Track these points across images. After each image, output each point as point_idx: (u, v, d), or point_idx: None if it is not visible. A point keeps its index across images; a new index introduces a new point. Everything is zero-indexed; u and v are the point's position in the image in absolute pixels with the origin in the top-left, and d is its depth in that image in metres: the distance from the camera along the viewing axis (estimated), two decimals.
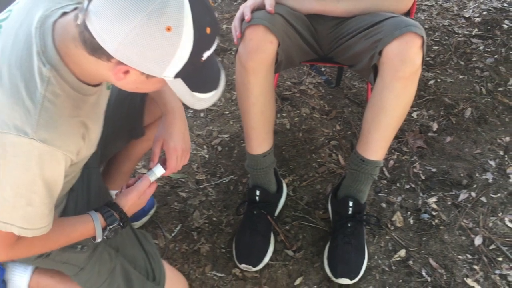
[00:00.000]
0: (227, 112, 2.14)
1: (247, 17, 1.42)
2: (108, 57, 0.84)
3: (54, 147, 0.89)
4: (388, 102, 1.44)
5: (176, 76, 0.87)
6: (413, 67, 1.37)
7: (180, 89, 0.90)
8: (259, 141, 1.60)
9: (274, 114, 1.60)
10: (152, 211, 1.78)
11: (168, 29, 0.79)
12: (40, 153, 0.88)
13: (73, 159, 0.95)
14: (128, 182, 1.21)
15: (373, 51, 1.44)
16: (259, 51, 1.41)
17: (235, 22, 1.47)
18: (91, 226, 1.10)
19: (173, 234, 1.72)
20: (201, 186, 1.86)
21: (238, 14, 1.47)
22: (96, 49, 0.84)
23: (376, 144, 1.52)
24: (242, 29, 1.43)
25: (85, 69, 0.91)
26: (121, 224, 1.14)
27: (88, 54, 0.86)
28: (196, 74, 0.89)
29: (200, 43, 0.84)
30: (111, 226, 1.12)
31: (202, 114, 2.13)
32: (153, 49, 0.81)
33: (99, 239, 1.12)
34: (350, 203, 1.59)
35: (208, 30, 0.84)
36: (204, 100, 0.94)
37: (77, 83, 0.93)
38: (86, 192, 1.30)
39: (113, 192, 1.58)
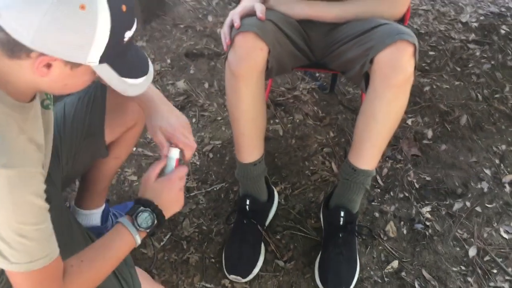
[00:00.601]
0: (219, 118, 2.11)
1: (237, 23, 1.39)
2: (27, 52, 0.80)
3: (18, 168, 0.84)
4: (379, 111, 1.41)
5: (101, 61, 0.85)
6: (405, 75, 1.34)
7: (108, 75, 0.88)
8: (250, 149, 1.57)
9: (265, 121, 1.57)
10: None
11: (82, 7, 0.77)
12: (7, 180, 0.83)
13: (43, 173, 0.92)
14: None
15: (365, 58, 1.41)
16: (249, 58, 1.38)
17: (225, 29, 1.44)
18: (127, 233, 1.05)
19: (162, 243, 1.68)
20: (192, 194, 1.83)
21: (227, 21, 1.44)
22: (13, 48, 0.80)
23: (367, 153, 1.49)
24: (232, 36, 1.40)
25: (12, 83, 0.87)
26: (155, 222, 1.08)
27: (9, 59, 0.82)
28: (121, 58, 0.88)
29: (118, 22, 0.82)
30: (147, 230, 1.07)
31: (194, 120, 2.10)
32: (71, 32, 0.78)
33: (138, 241, 1.07)
34: (342, 213, 1.56)
35: (124, 8, 0.83)
36: (135, 85, 0.92)
37: (12, 102, 0.89)
38: None
39: (93, 211, 1.56)
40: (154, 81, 2.31)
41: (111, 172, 1.50)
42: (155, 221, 1.08)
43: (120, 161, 1.50)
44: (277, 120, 2.08)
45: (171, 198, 1.13)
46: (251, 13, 1.44)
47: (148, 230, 1.08)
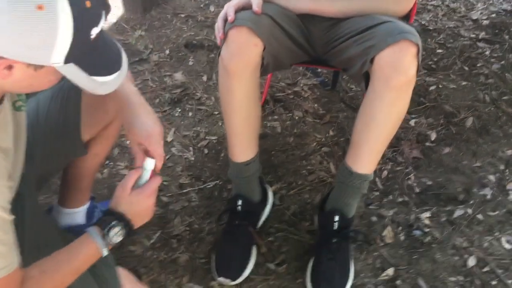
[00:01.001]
0: (216, 113, 2.05)
1: (231, 17, 1.32)
2: None
3: None
4: (378, 113, 1.34)
5: (67, 60, 0.80)
6: (407, 77, 1.27)
7: (76, 75, 0.83)
8: (242, 148, 1.51)
9: (259, 119, 1.50)
10: None
11: (40, 7, 0.72)
12: None
13: (8, 184, 0.87)
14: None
15: (365, 57, 1.34)
16: (242, 54, 1.31)
17: (218, 22, 1.37)
18: (94, 247, 1.01)
19: (151, 241, 1.63)
20: (184, 191, 1.78)
21: (221, 14, 1.37)
22: None
23: (365, 157, 1.43)
24: (225, 30, 1.33)
25: None
26: (126, 234, 1.04)
27: None
28: (90, 56, 0.82)
29: (82, 20, 0.77)
30: (116, 241, 1.03)
31: (190, 114, 2.04)
32: (30, 34, 0.74)
33: (105, 254, 1.03)
34: (336, 218, 1.50)
35: (87, 3, 0.78)
36: (107, 83, 0.87)
37: None
38: (20, 222, 1.18)
39: (76, 210, 1.51)
40: (152, 71, 2.25)
41: (92, 169, 1.45)
42: (125, 235, 1.04)
43: (101, 158, 1.44)
44: (275, 117, 2.02)
45: (142, 212, 1.09)
46: (247, 6, 1.37)
47: (116, 244, 1.04)
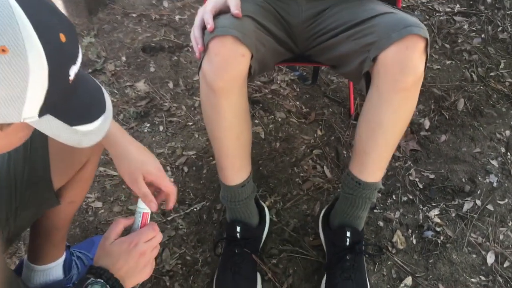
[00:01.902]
0: (190, 123, 1.84)
1: (210, 25, 1.12)
2: None
3: None
4: (386, 118, 1.19)
5: (42, 112, 0.62)
6: (416, 76, 1.12)
7: (54, 128, 0.66)
8: (235, 170, 1.33)
9: (250, 136, 1.32)
10: None
11: (3, 50, 0.55)
12: None
13: None
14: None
15: (364, 55, 1.18)
16: (229, 68, 1.11)
17: (195, 32, 1.16)
18: None
19: (139, 283, 1.44)
20: (169, 218, 1.58)
21: (197, 22, 1.16)
22: None
23: (373, 165, 1.28)
24: (206, 41, 1.13)
25: None
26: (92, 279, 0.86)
27: None
28: (69, 102, 0.66)
29: (57, 58, 0.61)
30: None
31: (161, 128, 1.83)
32: None
33: None
34: (348, 233, 1.35)
35: (62, 37, 0.61)
36: (92, 132, 0.70)
37: None
38: None
39: (51, 265, 1.28)
40: (110, 83, 2.00)
41: (67, 219, 1.23)
42: None
43: (77, 205, 1.23)
44: (256, 121, 1.84)
45: (131, 266, 0.90)
46: (224, 10, 1.17)
47: None
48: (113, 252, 0.89)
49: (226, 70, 1.12)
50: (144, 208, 0.98)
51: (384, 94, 1.16)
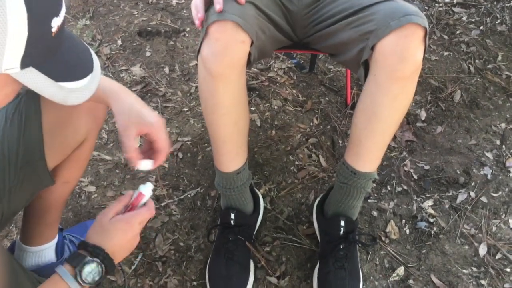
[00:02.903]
0: (185, 109, 1.83)
1: (220, 5, 1.09)
2: None
3: None
4: (383, 107, 1.18)
5: (24, 64, 0.62)
6: (414, 65, 1.11)
7: (38, 82, 0.65)
8: (231, 157, 1.32)
9: (248, 122, 1.32)
10: None
11: None
12: None
13: None
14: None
15: (363, 44, 1.17)
16: (228, 54, 1.10)
17: (197, 1, 1.14)
18: (59, 281, 0.84)
19: (133, 267, 1.44)
20: (162, 204, 1.57)
21: None
22: None
23: (369, 154, 1.28)
24: (207, 23, 1.11)
25: None
26: (103, 274, 0.86)
27: None
28: (52, 57, 0.65)
29: (37, 8, 0.60)
30: (92, 281, 0.85)
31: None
32: None
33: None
34: (342, 223, 1.36)
35: None
36: (79, 90, 0.70)
37: None
38: None
39: (44, 247, 1.28)
40: (105, 67, 1.98)
41: (61, 200, 1.22)
42: (103, 272, 0.86)
43: (71, 186, 1.22)
44: (252, 108, 1.83)
45: (123, 244, 0.90)
46: None
47: (93, 284, 0.86)
48: (110, 229, 0.89)
49: (225, 56, 1.10)
50: (145, 189, 0.96)
51: (382, 83, 1.15)
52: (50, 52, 0.65)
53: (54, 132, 1.04)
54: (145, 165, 0.98)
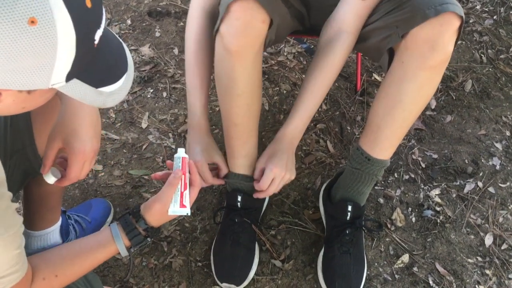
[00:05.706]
0: None
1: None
2: None
3: None
4: (408, 95, 1.18)
5: (69, 77, 0.63)
6: (445, 55, 1.11)
7: (80, 91, 0.66)
8: (242, 141, 1.32)
9: (259, 108, 1.32)
10: (109, 219, 1.49)
11: (32, 21, 0.56)
12: None
13: None
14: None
15: (390, 31, 1.16)
16: (247, 32, 1.11)
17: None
18: (113, 253, 0.99)
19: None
20: None
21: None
22: None
23: (386, 142, 1.27)
24: (227, 0, 1.10)
25: None
26: (148, 240, 1.01)
27: None
28: (93, 65, 0.66)
29: (84, 25, 0.61)
30: (135, 247, 1.00)
31: (165, 94, 1.80)
32: (23, 57, 0.57)
33: (124, 255, 1.04)
34: (349, 208, 1.36)
35: (88, 2, 0.61)
36: (116, 92, 0.71)
37: None
38: None
39: (48, 230, 1.28)
40: None
41: (59, 186, 1.22)
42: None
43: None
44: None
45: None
46: None
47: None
48: (166, 220, 1.04)
49: (244, 34, 1.11)
50: (183, 154, 1.04)
51: (410, 70, 1.15)
52: (92, 62, 0.66)
53: (42, 118, 1.04)
54: (48, 177, 0.97)
